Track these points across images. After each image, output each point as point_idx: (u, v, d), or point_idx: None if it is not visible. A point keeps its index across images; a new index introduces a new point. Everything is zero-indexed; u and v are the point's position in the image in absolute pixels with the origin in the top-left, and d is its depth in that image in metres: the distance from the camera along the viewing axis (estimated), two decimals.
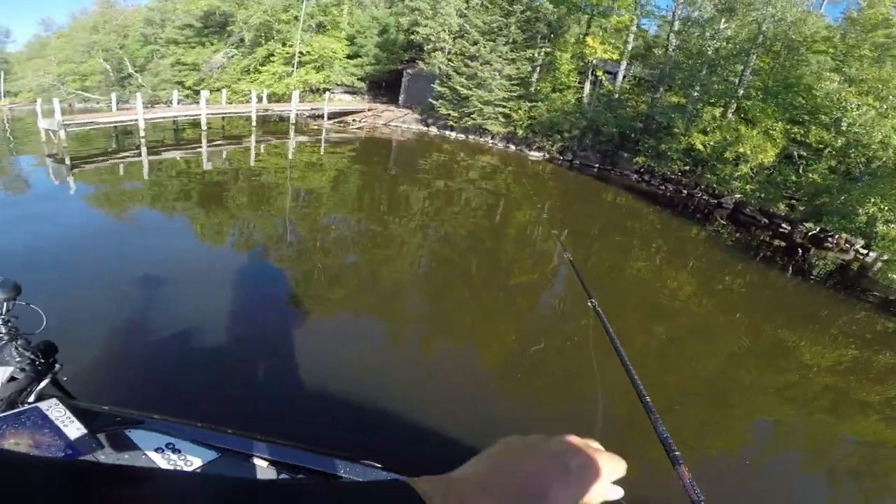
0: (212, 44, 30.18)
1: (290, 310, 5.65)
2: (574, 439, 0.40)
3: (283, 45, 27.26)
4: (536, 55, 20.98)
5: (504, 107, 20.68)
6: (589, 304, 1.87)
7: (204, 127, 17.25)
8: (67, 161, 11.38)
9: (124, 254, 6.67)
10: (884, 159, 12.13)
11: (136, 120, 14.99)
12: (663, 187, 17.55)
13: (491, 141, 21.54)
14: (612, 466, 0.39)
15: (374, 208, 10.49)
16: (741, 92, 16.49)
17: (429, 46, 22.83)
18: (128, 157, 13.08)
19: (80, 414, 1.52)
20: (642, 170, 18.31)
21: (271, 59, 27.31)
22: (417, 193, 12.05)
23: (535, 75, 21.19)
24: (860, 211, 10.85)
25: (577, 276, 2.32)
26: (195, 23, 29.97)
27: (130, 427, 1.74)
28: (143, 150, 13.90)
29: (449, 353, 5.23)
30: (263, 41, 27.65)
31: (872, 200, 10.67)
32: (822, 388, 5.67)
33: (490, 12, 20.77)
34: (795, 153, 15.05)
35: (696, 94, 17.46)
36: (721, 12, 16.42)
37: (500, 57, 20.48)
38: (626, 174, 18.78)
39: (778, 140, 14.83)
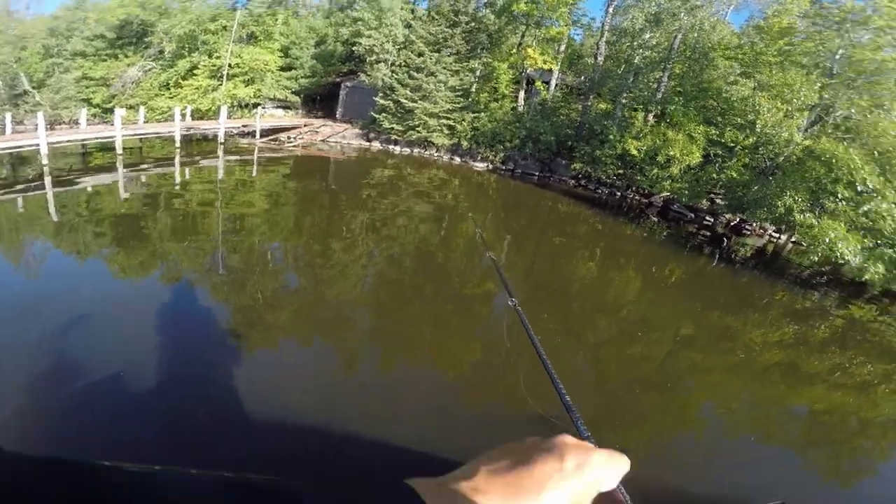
0: (126, 56, 27.71)
1: (230, 341, 5.25)
2: (569, 439, 0.39)
3: (210, 56, 25.69)
4: (477, 66, 21.33)
5: (448, 118, 20.79)
6: (509, 303, 1.90)
7: (119, 150, 15.65)
8: None
9: (36, 296, 5.85)
10: (786, 154, 13.49)
11: (38, 144, 13.31)
12: (599, 191, 18.49)
13: (436, 154, 21.54)
14: (611, 463, 0.39)
15: (313, 233, 10.03)
16: (659, 96, 17.74)
17: (371, 58, 22.36)
18: (29, 188, 11.55)
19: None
20: (579, 175, 19.15)
21: (194, 72, 25.59)
22: (362, 215, 11.70)
23: (475, 86, 21.54)
24: (778, 203, 12.19)
25: (501, 278, 2.36)
26: (108, 33, 27.44)
27: None
28: (48, 180, 12.37)
29: (397, 373, 5.15)
30: (187, 53, 25.87)
31: (789, 193, 12.00)
32: (768, 364, 6.16)
33: (436, 23, 20.84)
34: (712, 153, 16.41)
35: (623, 100, 18.53)
36: (650, 23, 17.59)
37: (444, 68, 20.59)
38: (564, 180, 19.58)
39: (700, 142, 16.10)
